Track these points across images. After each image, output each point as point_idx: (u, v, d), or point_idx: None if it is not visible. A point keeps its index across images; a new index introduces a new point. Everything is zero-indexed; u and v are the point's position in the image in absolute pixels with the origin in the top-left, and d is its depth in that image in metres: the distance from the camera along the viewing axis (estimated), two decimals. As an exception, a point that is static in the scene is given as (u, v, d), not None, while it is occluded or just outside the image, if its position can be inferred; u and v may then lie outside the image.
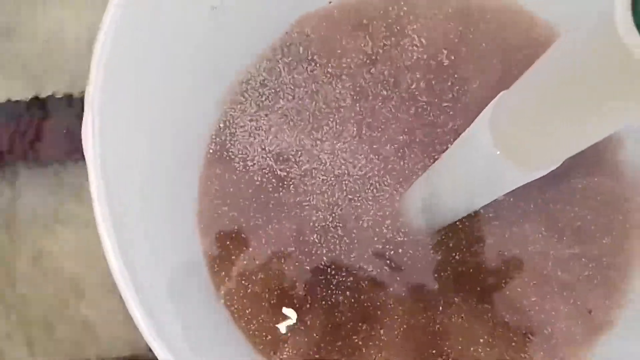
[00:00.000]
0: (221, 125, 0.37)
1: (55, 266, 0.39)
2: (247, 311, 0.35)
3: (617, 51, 0.16)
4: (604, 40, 0.16)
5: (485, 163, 0.26)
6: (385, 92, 0.38)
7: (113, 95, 0.23)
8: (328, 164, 0.37)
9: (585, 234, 0.37)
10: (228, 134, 0.37)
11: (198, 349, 0.26)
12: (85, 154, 0.22)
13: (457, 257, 0.36)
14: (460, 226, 0.37)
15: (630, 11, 0.15)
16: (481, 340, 0.35)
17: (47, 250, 0.39)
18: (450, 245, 0.37)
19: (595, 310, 0.36)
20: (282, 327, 0.35)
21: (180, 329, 0.26)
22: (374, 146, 0.38)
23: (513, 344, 0.35)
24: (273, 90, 0.38)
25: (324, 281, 0.35)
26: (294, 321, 0.35)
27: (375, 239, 0.36)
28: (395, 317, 0.35)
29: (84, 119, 0.22)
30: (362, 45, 0.39)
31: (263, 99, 0.38)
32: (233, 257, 0.35)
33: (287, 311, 0.35)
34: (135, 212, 0.25)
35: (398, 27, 0.39)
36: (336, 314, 0.35)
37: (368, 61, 0.39)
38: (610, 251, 0.36)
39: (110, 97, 0.23)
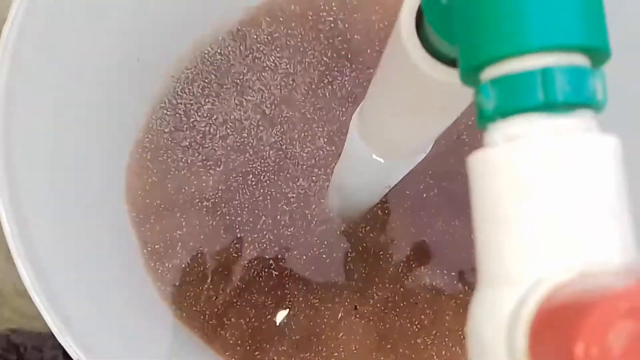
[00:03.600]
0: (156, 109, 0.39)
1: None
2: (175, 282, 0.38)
3: (407, 63, 0.19)
4: (399, 53, 0.19)
5: (364, 162, 0.29)
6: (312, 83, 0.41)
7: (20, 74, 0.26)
8: (263, 145, 0.40)
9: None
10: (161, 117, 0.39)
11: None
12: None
13: (364, 244, 0.40)
14: (369, 217, 0.40)
15: (414, 29, 0.18)
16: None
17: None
18: (359, 234, 0.40)
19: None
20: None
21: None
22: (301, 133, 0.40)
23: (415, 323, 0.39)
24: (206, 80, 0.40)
25: (247, 256, 0.39)
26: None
27: (299, 222, 0.39)
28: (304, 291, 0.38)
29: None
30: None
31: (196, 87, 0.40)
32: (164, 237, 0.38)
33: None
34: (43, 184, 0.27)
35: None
36: (253, 290, 0.38)
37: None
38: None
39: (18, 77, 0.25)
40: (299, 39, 0.41)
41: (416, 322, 0.38)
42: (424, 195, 0.40)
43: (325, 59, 0.41)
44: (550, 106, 0.14)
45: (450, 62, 0.18)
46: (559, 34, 0.14)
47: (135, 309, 0.35)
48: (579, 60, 0.14)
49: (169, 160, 0.39)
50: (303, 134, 0.40)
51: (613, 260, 0.13)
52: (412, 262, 0.39)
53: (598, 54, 0.14)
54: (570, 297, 0.12)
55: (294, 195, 0.40)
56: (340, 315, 0.38)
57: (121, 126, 0.36)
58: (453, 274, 0.40)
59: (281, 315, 0.39)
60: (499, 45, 0.14)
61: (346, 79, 0.41)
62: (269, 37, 0.41)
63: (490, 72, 0.14)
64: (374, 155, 0.28)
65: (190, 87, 0.40)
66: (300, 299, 0.38)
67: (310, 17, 0.41)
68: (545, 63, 0.14)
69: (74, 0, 0.28)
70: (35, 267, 0.25)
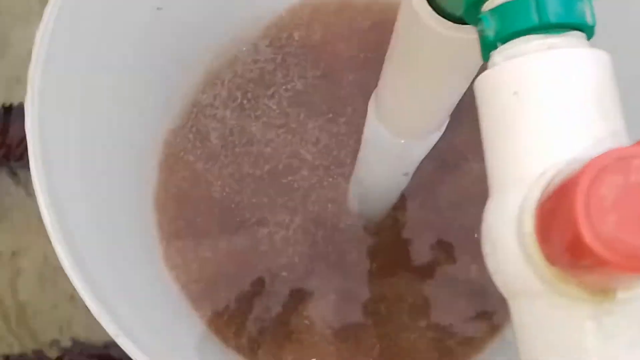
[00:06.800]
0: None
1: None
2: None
3: (418, 27, 0.21)
4: (410, 21, 0.21)
5: (382, 144, 0.31)
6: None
7: (53, 74, 0.27)
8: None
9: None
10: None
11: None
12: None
13: (389, 244, 0.41)
14: (392, 217, 0.41)
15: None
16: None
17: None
18: (384, 234, 0.41)
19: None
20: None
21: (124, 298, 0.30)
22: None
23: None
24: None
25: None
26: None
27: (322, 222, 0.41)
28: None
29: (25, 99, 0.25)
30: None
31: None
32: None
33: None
34: (79, 194, 0.29)
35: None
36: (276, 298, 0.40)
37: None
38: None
39: (50, 77, 0.27)
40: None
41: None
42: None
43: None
44: (543, 27, 0.16)
45: (457, 20, 0.20)
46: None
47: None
48: (570, -12, 0.16)
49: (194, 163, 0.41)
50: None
51: (602, 148, 0.14)
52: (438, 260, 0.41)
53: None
54: (567, 177, 0.13)
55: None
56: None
57: (147, 125, 0.38)
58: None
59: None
60: (496, -23, 0.16)
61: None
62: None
63: (490, 4, 0.16)
64: (391, 136, 0.30)
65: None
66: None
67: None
68: (538, -10, 0.16)
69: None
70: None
